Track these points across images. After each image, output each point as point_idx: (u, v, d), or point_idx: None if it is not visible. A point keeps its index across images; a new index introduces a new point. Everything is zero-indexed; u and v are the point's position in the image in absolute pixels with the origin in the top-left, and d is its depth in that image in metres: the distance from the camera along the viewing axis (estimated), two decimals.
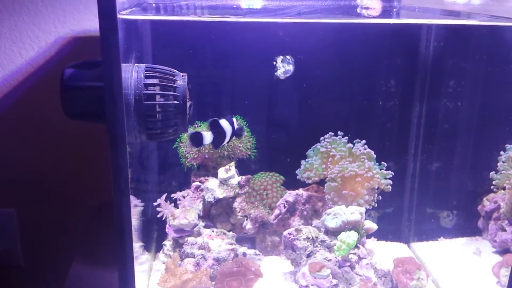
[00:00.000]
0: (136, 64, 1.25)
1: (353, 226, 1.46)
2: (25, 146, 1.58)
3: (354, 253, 1.44)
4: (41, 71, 1.53)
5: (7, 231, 1.62)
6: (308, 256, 1.45)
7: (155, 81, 1.23)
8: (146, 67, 1.25)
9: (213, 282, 1.35)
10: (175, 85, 1.25)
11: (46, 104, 1.51)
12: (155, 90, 1.22)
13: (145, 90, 1.21)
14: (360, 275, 1.42)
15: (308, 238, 1.47)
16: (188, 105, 1.28)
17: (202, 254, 1.43)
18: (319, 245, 1.46)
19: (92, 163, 1.60)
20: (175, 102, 1.24)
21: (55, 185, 1.62)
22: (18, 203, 1.62)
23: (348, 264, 1.42)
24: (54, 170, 1.61)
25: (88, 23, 1.52)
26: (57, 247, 1.67)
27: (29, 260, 1.67)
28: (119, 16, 0.96)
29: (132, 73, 1.22)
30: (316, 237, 1.47)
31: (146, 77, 1.22)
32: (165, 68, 1.28)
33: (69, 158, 1.60)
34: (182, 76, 1.28)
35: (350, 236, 1.41)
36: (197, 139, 1.36)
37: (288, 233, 1.49)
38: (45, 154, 1.59)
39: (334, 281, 1.39)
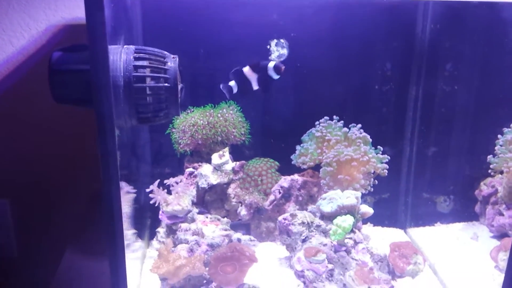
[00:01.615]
0: (125, 46, 1.22)
1: (349, 210, 1.44)
2: (16, 136, 1.56)
3: (350, 238, 1.42)
4: (32, 59, 1.51)
5: (0, 222, 1.60)
6: (304, 241, 1.43)
7: (145, 63, 1.20)
8: (135, 49, 1.22)
9: (207, 268, 1.33)
10: (165, 67, 1.22)
11: (37, 92, 1.49)
12: (145, 73, 1.20)
13: (135, 73, 1.18)
14: (356, 260, 1.40)
15: (303, 223, 1.45)
16: (179, 88, 1.26)
17: (196, 240, 1.41)
18: (314, 230, 1.45)
19: (85, 152, 1.58)
20: (166, 84, 1.22)
21: (47, 175, 1.60)
22: (10, 194, 1.60)
23: (344, 248, 1.41)
24: (47, 159, 1.58)
25: (79, 10, 1.49)
26: (50, 238, 1.65)
27: (22, 250, 1.65)
28: None
29: (121, 55, 1.19)
30: (312, 222, 1.45)
31: (136, 59, 1.19)
32: (156, 49, 1.25)
33: (62, 147, 1.58)
34: (173, 58, 1.25)
35: (346, 220, 1.39)
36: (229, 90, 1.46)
37: (283, 218, 1.47)
38: (37, 144, 1.57)
39: (330, 266, 1.37)
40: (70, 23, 1.50)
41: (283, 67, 1.46)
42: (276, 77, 1.47)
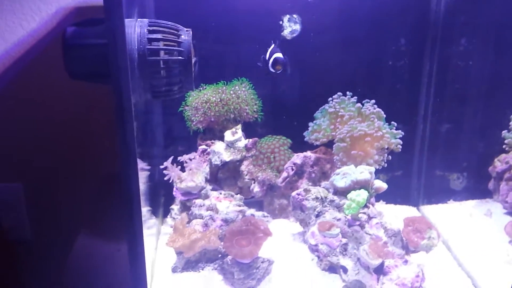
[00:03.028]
0: (139, 19, 1.22)
1: (363, 185, 1.44)
2: (29, 118, 1.56)
3: (364, 213, 1.42)
4: (42, 42, 1.51)
5: (14, 206, 1.61)
6: (317, 216, 1.44)
7: (159, 36, 1.20)
8: (149, 22, 1.22)
9: (222, 242, 1.34)
10: (179, 40, 1.22)
11: (49, 75, 1.49)
12: (159, 46, 1.20)
13: (149, 45, 1.18)
14: (370, 234, 1.40)
15: (317, 198, 1.45)
16: (193, 62, 1.25)
17: (210, 215, 1.42)
18: (328, 205, 1.45)
19: (99, 133, 1.58)
20: (180, 57, 1.21)
21: (61, 157, 1.60)
22: (24, 177, 1.61)
23: (357, 223, 1.41)
24: (60, 142, 1.59)
25: None
26: (64, 220, 1.67)
27: (37, 234, 1.67)
28: None
29: (135, 28, 1.19)
30: (325, 197, 1.45)
31: (150, 32, 1.19)
32: (169, 23, 1.25)
33: (75, 129, 1.58)
34: (187, 31, 1.25)
35: (360, 195, 1.39)
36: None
37: (297, 194, 1.47)
38: (50, 127, 1.57)
39: (344, 240, 1.37)
40: (80, 5, 1.49)
41: (279, 68, 1.48)
42: (272, 70, 1.48)
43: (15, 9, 1.47)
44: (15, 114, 1.55)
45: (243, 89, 1.64)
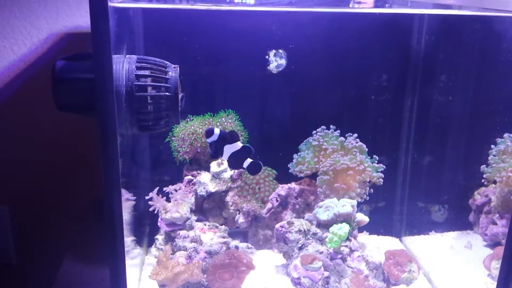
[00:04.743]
0: (127, 56, 1.25)
1: (345, 218, 1.46)
2: (17, 143, 1.57)
3: (346, 246, 1.44)
4: (33, 67, 1.52)
5: None
6: (300, 248, 1.45)
7: (147, 72, 1.23)
8: (137, 59, 1.24)
9: (205, 275, 1.35)
10: (167, 77, 1.25)
11: (38, 100, 1.50)
12: (146, 82, 1.22)
13: (137, 82, 1.21)
14: (351, 268, 1.42)
15: (300, 230, 1.47)
16: (180, 97, 1.28)
17: (194, 247, 1.43)
18: (311, 238, 1.47)
19: (85, 160, 1.59)
20: (167, 93, 1.24)
21: (47, 182, 1.60)
22: (10, 200, 1.60)
23: (339, 256, 1.43)
24: (47, 167, 1.59)
25: (81, 19, 1.51)
26: (49, 244, 1.66)
27: (21, 257, 1.66)
28: (110, 4, 0.96)
29: (124, 65, 1.21)
30: (308, 230, 1.48)
31: (138, 68, 1.22)
32: (157, 59, 1.27)
33: (62, 155, 1.59)
34: (174, 67, 1.28)
35: (342, 228, 1.41)
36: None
37: (280, 226, 1.49)
38: (37, 151, 1.58)
39: (326, 273, 1.39)
40: (71, 32, 1.51)
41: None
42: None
43: (6, 33, 1.48)
44: (2, 138, 1.56)
45: (230, 120, 1.67)
